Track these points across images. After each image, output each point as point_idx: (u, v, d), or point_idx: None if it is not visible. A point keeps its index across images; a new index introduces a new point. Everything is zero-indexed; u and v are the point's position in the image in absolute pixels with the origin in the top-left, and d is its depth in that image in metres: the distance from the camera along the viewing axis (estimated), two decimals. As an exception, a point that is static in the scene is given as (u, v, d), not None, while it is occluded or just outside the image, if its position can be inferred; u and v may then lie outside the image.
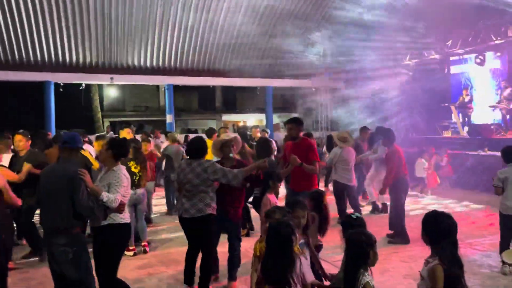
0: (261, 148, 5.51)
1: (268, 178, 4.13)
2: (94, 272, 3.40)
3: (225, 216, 4.10)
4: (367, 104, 12.12)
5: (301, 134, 5.20)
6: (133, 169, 5.15)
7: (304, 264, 2.72)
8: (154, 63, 12.97)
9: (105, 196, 3.33)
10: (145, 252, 5.24)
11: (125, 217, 3.55)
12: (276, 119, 19.54)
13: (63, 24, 10.97)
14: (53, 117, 12.22)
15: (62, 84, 12.44)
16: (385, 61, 11.60)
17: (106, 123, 22.69)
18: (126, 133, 7.42)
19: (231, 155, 4.37)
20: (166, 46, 12.54)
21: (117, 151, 3.60)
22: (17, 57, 11.41)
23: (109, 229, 3.47)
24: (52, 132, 11.79)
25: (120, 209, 3.45)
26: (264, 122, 16.30)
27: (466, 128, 10.74)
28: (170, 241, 5.75)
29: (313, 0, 12.48)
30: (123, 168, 3.60)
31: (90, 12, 10.89)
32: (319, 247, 3.51)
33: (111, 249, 3.50)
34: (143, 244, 5.32)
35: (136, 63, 12.82)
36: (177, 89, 14.73)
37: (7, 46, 11.07)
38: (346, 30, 11.49)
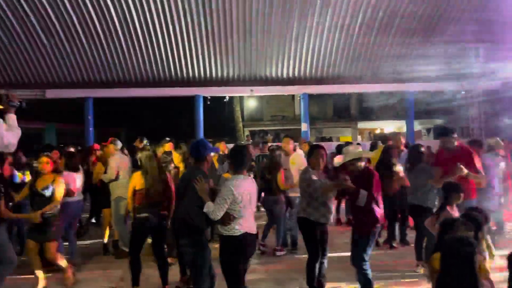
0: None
1: (450, 189, 3.87)
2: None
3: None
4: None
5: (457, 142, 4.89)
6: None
7: None
8: (290, 74, 13.36)
9: (206, 206, 3.44)
10: None
11: (236, 229, 3.44)
12: (418, 125, 18.16)
13: (211, 42, 12.11)
14: (201, 127, 13.53)
15: (209, 97, 13.74)
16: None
17: (246, 132, 24.18)
18: (168, 147, 6.84)
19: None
20: (303, 56, 12.80)
21: (234, 160, 3.63)
22: (172, 74, 13.01)
23: (220, 240, 3.59)
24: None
25: (224, 221, 3.42)
26: (404, 129, 15.28)
27: None
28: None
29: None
30: (238, 179, 3.49)
31: (234, 29, 11.79)
32: None
33: (220, 261, 3.54)
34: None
35: (273, 74, 13.39)
36: (312, 97, 14.89)
37: (165, 66, 12.71)
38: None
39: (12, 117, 3.12)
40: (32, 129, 17.67)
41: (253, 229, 3.62)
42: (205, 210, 3.42)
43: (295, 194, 5.92)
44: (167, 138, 7.19)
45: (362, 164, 4.21)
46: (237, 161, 3.61)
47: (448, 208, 3.77)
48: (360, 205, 4.02)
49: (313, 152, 4.38)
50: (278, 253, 6.04)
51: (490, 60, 11.79)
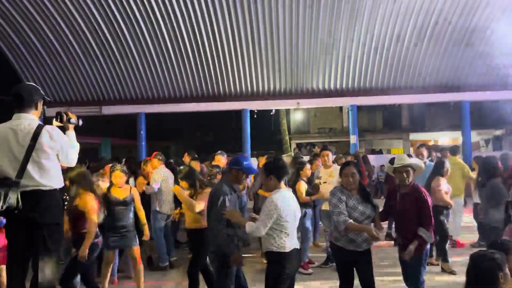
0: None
1: None
2: None
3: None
4: None
5: None
6: None
7: None
8: (338, 85, 13.17)
9: (247, 227, 3.43)
10: None
11: (286, 244, 3.40)
12: (475, 136, 17.18)
13: (257, 56, 12.26)
14: (248, 140, 13.64)
15: (256, 110, 13.86)
16: None
17: (293, 145, 24.07)
18: (217, 160, 6.73)
19: None
20: (350, 67, 12.61)
21: (275, 173, 3.54)
22: (221, 89, 13.27)
23: (268, 256, 3.56)
24: (248, 153, 13.20)
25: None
26: (460, 141, 14.49)
27: None
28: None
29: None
30: (281, 194, 3.46)
31: (280, 42, 11.86)
32: None
33: (267, 277, 3.49)
34: None
35: (320, 86, 13.27)
36: (361, 109, 14.59)
37: (214, 81, 13.00)
38: None
39: (71, 134, 3.35)
40: (89, 143, 18.65)
41: (298, 244, 3.62)
42: (247, 230, 3.41)
43: (326, 207, 5.70)
44: (219, 151, 7.15)
45: (411, 178, 3.99)
46: (279, 174, 3.54)
47: None
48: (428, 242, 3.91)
49: (342, 170, 3.95)
50: (303, 271, 5.68)
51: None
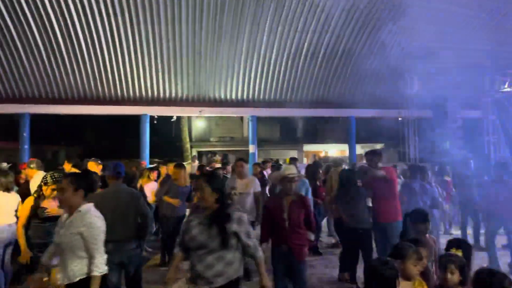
0: None
1: None
2: None
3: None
4: (461, 135, 11.29)
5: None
6: None
7: None
8: (239, 96, 13.51)
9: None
10: None
11: None
12: (360, 149, 18.97)
13: (159, 61, 11.99)
14: (147, 147, 13.21)
15: (156, 116, 13.50)
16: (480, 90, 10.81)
17: (194, 153, 23.92)
18: (93, 166, 6.56)
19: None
20: (251, 79, 13.03)
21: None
22: (118, 92, 12.67)
23: None
24: (147, 161, 12.77)
25: None
26: (347, 153, 15.90)
27: None
28: None
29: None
30: None
31: (183, 50, 11.78)
32: None
33: None
34: None
35: (222, 96, 13.47)
36: (260, 120, 15.12)
37: (110, 83, 12.36)
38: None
39: None
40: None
41: None
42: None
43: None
44: (93, 158, 6.97)
45: (295, 183, 4.26)
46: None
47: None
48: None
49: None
50: None
51: (423, 88, 12.67)
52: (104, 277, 2.98)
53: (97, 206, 3.19)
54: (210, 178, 3.12)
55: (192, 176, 7.51)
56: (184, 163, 9.19)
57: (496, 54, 10.72)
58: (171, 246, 5.93)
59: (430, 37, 9.86)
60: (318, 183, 7.74)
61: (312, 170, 7.88)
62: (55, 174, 4.55)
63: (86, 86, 12.28)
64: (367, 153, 5.51)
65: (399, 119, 14.70)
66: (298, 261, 4.06)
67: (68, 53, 11.34)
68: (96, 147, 24.98)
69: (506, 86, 11.28)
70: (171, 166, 7.17)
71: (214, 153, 25.54)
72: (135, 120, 13.51)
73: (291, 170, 4.27)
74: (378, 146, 24.38)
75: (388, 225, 5.14)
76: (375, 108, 13.94)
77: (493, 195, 6.01)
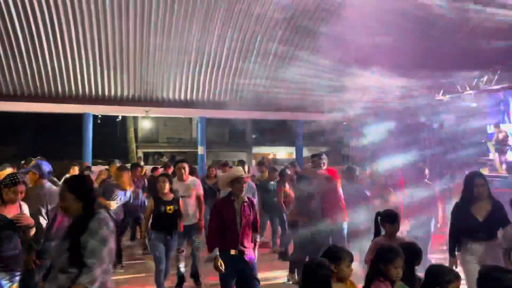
0: None
1: None
2: None
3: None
4: (400, 137, 11.93)
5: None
6: None
7: None
8: (188, 96, 13.33)
9: None
10: None
11: None
12: (306, 151, 19.43)
13: (104, 58, 11.51)
14: (90, 147, 12.66)
15: (100, 115, 12.97)
16: (416, 97, 11.49)
17: (140, 154, 23.29)
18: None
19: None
20: (200, 80, 12.90)
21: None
22: (59, 89, 12.01)
23: None
24: (89, 162, 12.23)
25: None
26: (294, 155, 16.25)
27: (504, 166, 10.34)
28: None
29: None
30: None
31: (130, 47, 11.40)
32: None
33: None
34: None
35: (170, 96, 13.21)
36: (210, 121, 15.03)
37: (51, 79, 11.69)
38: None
39: None
40: None
41: None
42: None
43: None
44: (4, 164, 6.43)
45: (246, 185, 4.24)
46: None
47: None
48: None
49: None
50: None
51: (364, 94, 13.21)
52: None
53: None
54: (73, 183, 2.75)
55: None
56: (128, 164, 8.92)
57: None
58: None
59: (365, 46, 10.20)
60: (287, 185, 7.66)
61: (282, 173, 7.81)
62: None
63: (23, 81, 11.51)
64: (312, 156, 5.67)
65: (344, 123, 15.25)
66: (249, 264, 4.01)
67: (3, 45, 10.58)
68: (34, 147, 23.51)
69: (440, 95, 12.08)
70: (114, 168, 6.96)
71: (161, 154, 25.04)
72: (77, 118, 12.91)
73: (241, 171, 4.20)
74: (323, 149, 25.12)
75: (339, 224, 5.31)
76: (321, 112, 14.33)
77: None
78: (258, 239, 4.24)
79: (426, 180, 6.16)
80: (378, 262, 2.77)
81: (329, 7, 10.67)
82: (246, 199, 4.15)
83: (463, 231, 3.76)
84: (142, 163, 15.17)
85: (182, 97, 13.31)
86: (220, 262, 3.81)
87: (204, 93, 13.31)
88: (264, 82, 13.43)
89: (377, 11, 8.92)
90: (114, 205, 5.94)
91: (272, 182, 7.76)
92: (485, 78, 10.52)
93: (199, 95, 13.35)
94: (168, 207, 5.11)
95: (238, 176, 4.09)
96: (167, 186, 5.21)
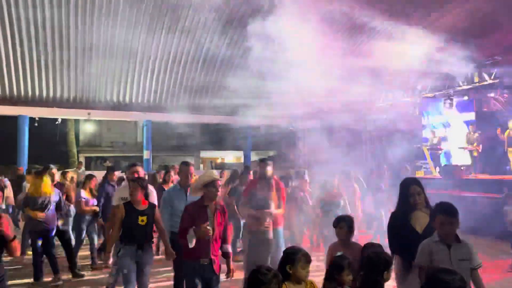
0: None
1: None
2: None
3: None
4: (342, 143, 12.37)
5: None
6: None
7: None
8: (133, 99, 12.97)
9: None
10: None
11: None
12: (254, 156, 19.59)
13: (42, 58, 10.91)
14: (26, 151, 11.92)
15: (37, 118, 12.25)
16: (359, 102, 12.02)
17: (82, 158, 22.28)
18: None
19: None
20: (146, 83, 12.61)
21: None
22: (-8, 90, 11.23)
23: None
24: (24, 167, 11.49)
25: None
26: (242, 160, 16.33)
27: (437, 169, 11.07)
28: None
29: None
30: None
31: (71, 47, 10.90)
32: None
33: None
34: None
35: (114, 99, 12.79)
36: (155, 125, 14.71)
37: (-18, 79, 10.90)
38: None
39: None
40: None
41: None
42: None
43: None
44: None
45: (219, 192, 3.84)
46: None
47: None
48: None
49: None
50: None
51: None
52: None
53: None
54: None
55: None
56: (70, 170, 8.52)
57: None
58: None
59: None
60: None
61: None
62: None
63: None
64: (260, 160, 5.69)
65: (290, 129, 15.56)
66: (216, 274, 3.75)
67: None
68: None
69: (381, 101, 12.75)
70: (70, 174, 6.87)
71: (104, 159, 24.09)
72: (12, 121, 12.10)
73: (215, 174, 3.84)
74: (271, 153, 25.46)
75: (275, 230, 5.36)
76: (267, 118, 14.50)
77: None
78: (228, 250, 3.85)
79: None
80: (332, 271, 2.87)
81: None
82: (218, 205, 3.84)
83: (403, 245, 3.40)
84: (82, 168, 14.52)
85: (127, 100, 12.95)
86: (204, 226, 3.52)
87: (150, 96, 13.06)
88: (207, 86, 13.39)
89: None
90: (40, 214, 5.58)
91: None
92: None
93: (144, 98, 13.05)
94: (140, 218, 4.24)
95: (212, 180, 3.72)
96: (139, 192, 4.30)
